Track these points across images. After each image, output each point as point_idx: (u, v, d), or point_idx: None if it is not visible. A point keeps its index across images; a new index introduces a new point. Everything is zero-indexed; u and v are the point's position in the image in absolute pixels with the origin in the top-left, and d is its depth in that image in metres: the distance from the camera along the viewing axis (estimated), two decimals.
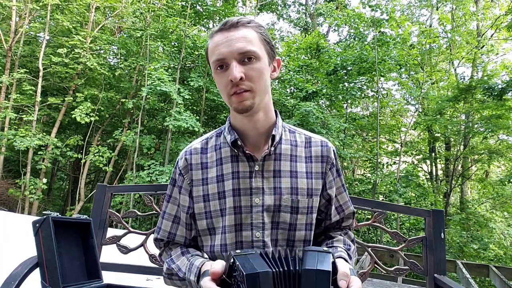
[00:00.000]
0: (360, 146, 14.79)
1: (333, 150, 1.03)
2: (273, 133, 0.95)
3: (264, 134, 0.97)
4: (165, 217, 1.03)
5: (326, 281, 0.64)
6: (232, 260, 0.67)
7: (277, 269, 0.66)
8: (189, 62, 12.74)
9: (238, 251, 0.70)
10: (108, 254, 1.91)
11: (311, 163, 0.99)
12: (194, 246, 1.02)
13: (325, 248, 0.72)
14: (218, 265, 0.73)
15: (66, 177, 15.22)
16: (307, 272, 0.65)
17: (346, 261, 0.88)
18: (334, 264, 0.70)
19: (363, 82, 11.56)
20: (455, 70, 14.13)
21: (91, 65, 10.70)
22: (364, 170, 15.39)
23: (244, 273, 0.61)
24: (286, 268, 0.67)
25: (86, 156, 11.20)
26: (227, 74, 0.87)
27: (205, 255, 0.97)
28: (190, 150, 1.02)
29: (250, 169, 0.94)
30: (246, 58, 0.86)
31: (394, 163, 13.02)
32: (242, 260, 0.65)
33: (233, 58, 0.86)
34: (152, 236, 1.37)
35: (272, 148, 0.95)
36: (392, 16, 10.71)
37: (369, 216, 7.08)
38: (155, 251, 1.50)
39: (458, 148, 12.39)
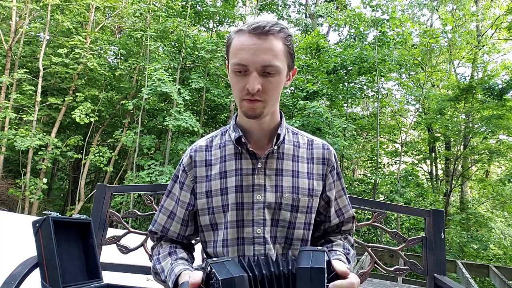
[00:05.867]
0: (361, 146, 14.78)
1: (334, 154, 1.05)
2: (278, 131, 0.97)
3: (269, 134, 0.99)
4: (162, 211, 1.05)
5: (321, 278, 0.65)
6: (209, 268, 0.68)
7: (254, 273, 0.68)
8: (189, 62, 12.73)
9: (214, 259, 0.71)
10: (108, 254, 1.91)
11: (312, 165, 1.01)
12: (186, 245, 1.06)
13: (319, 247, 0.73)
14: (197, 276, 0.72)
15: (66, 177, 15.21)
16: (300, 270, 0.66)
17: (344, 263, 0.88)
18: (329, 263, 0.71)
19: (363, 82, 11.55)
20: (455, 70, 14.13)
21: (91, 65, 10.70)
22: (365, 170, 15.38)
23: (220, 279, 0.63)
24: (264, 273, 0.69)
25: (86, 157, 11.20)
26: (245, 80, 0.87)
27: (190, 261, 0.99)
28: (195, 148, 1.04)
29: (253, 166, 0.96)
30: (267, 71, 0.86)
31: (395, 163, 13.01)
32: (218, 267, 0.67)
33: (255, 68, 0.85)
34: None
35: (276, 147, 0.97)
36: (393, 16, 10.69)
37: (369, 216, 7.08)
38: None
39: (458, 148, 12.38)
